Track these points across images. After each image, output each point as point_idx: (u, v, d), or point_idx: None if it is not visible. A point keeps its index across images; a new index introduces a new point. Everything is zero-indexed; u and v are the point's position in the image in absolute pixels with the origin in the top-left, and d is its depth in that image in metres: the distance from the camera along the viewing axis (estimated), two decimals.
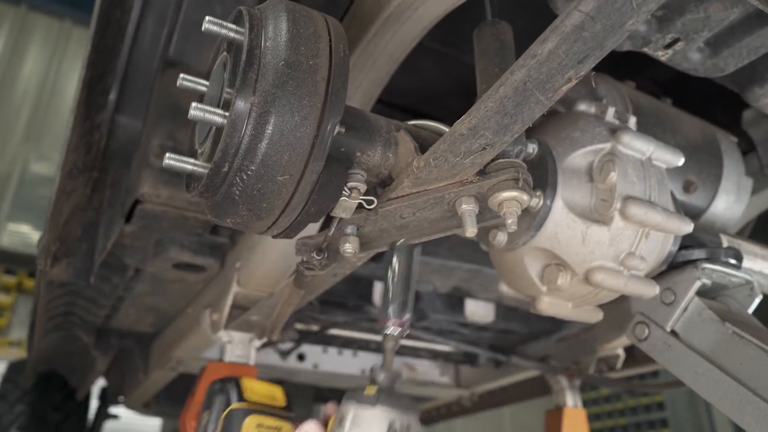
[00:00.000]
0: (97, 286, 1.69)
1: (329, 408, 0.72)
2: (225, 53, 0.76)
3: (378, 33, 1.06)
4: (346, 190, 0.75)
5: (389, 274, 0.74)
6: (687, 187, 1.31)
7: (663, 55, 1.05)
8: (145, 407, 2.88)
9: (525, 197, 0.77)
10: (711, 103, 1.52)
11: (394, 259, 0.75)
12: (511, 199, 0.77)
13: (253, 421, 0.73)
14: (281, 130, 0.65)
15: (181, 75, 0.79)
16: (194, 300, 1.80)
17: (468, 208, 0.73)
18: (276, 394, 0.78)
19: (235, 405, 0.74)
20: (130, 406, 2.97)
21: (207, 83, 0.81)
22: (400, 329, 0.69)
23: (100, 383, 3.45)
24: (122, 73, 1.34)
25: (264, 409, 0.75)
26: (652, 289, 0.97)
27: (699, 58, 1.06)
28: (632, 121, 1.04)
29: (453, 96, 1.65)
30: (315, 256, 0.92)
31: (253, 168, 0.66)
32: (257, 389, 0.77)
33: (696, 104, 1.41)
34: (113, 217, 1.42)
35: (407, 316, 0.69)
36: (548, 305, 1.01)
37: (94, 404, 3.64)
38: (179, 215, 1.37)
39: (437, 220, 0.87)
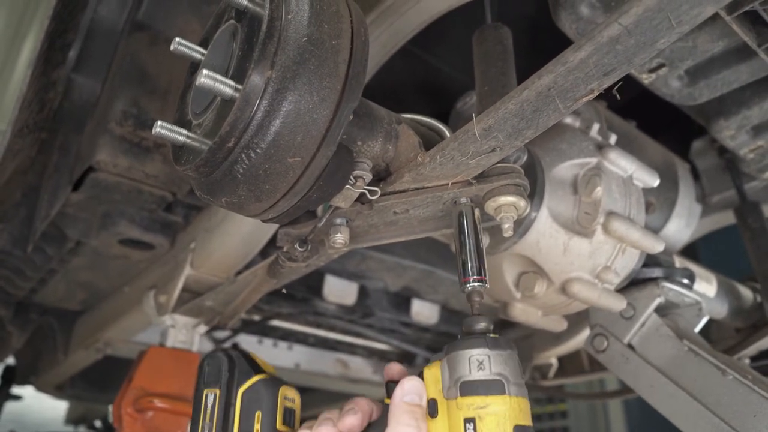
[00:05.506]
0: (28, 256, 1.56)
1: (393, 369, 0.68)
2: (233, 22, 0.71)
3: (375, 21, 1.03)
4: (351, 178, 0.72)
5: (460, 236, 0.74)
6: (647, 208, 1.36)
7: (646, 79, 1.08)
8: (58, 390, 2.69)
9: (522, 203, 0.77)
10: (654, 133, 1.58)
11: (465, 223, 0.75)
12: (510, 205, 0.77)
13: (282, 393, 0.67)
14: (298, 109, 0.62)
15: (177, 39, 0.73)
16: (134, 279, 1.70)
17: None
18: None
19: (258, 376, 0.67)
20: (40, 387, 2.77)
21: (204, 51, 0.76)
22: (480, 282, 0.70)
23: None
24: (85, 30, 1.24)
25: (281, 378, 0.69)
26: (621, 304, 1.00)
27: (678, 86, 1.10)
28: (613, 138, 1.07)
29: (416, 95, 1.64)
30: (298, 247, 0.88)
31: (263, 146, 0.62)
32: (258, 358, 0.70)
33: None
34: (59, 184, 1.31)
35: (484, 271, 0.71)
36: (520, 312, 1.02)
37: None
38: (134, 188, 1.28)
39: (427, 219, 0.86)
